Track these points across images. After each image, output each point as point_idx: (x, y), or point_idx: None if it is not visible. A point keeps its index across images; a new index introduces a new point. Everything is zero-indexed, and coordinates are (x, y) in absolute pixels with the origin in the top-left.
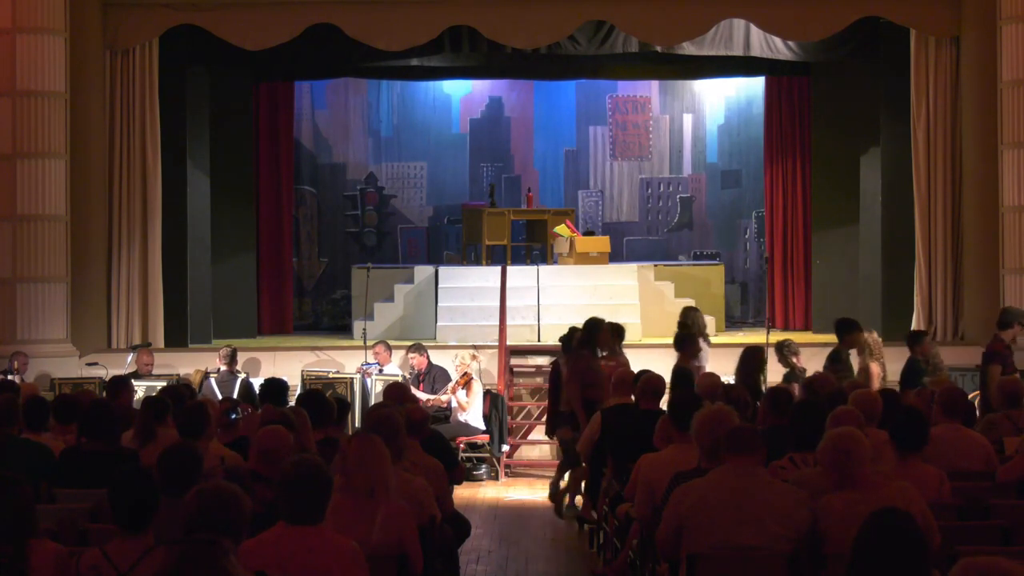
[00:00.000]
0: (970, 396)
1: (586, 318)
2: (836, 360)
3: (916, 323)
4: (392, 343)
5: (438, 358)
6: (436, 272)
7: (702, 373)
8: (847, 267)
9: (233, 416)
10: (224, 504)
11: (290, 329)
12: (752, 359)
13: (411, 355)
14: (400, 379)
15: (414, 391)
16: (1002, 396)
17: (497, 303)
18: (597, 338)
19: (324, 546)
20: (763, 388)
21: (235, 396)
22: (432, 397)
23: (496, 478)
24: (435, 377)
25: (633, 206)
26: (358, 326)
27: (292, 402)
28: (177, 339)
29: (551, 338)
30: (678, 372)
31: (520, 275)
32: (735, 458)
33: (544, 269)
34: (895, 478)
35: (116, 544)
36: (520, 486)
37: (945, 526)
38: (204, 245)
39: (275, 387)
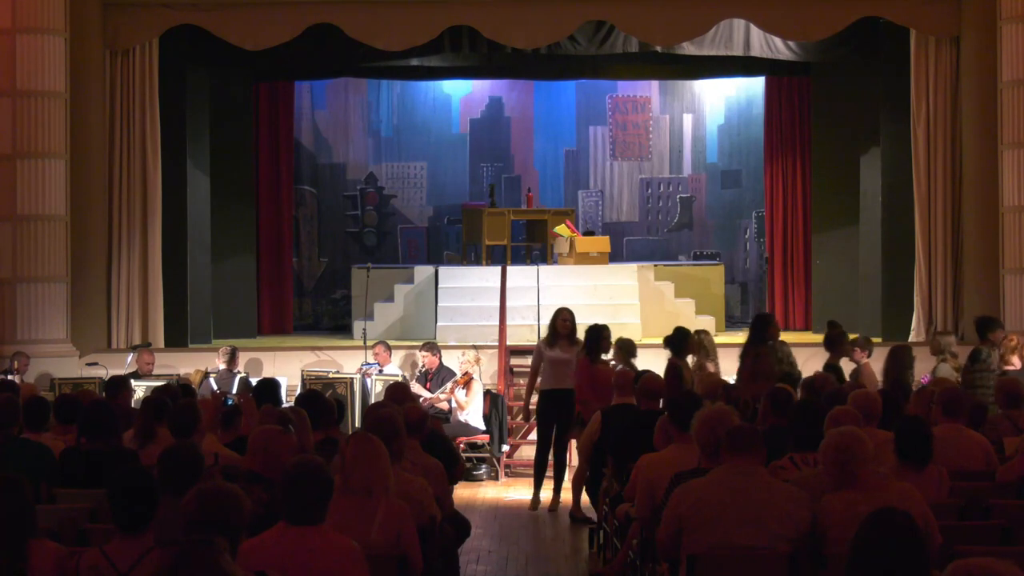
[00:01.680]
0: None
1: (756, 315)
2: (976, 359)
3: (916, 323)
4: (392, 343)
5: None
6: (436, 272)
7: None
8: (847, 267)
9: (229, 403)
10: (223, 504)
11: (290, 329)
12: (902, 357)
13: (423, 353)
14: (400, 379)
15: (419, 388)
16: (1002, 396)
17: (497, 303)
18: (768, 333)
19: (324, 546)
20: (913, 386)
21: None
22: (431, 396)
23: (496, 478)
24: (443, 378)
25: (633, 206)
26: (358, 326)
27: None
28: (177, 339)
29: None
30: (830, 369)
31: (520, 275)
32: (735, 458)
33: (544, 269)
34: (896, 479)
35: (116, 544)
36: (520, 486)
37: (945, 526)
38: (204, 245)
39: (269, 387)
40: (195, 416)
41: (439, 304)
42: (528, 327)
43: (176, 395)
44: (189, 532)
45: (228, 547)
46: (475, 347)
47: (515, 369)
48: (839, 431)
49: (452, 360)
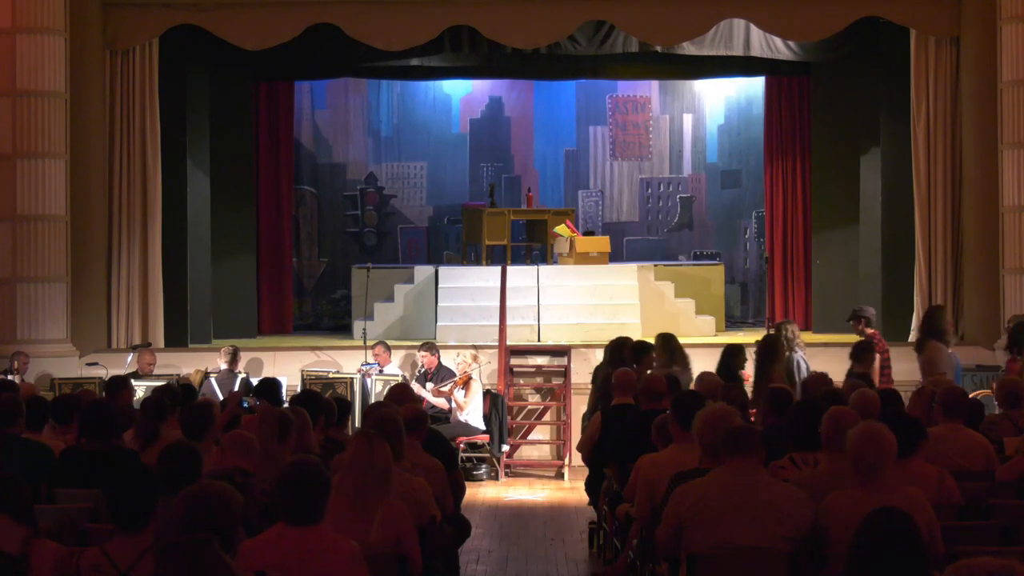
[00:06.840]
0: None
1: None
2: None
3: (916, 323)
4: (392, 343)
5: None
6: (436, 272)
7: (702, 372)
8: (847, 267)
9: (245, 404)
10: (213, 504)
11: (290, 329)
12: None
13: (421, 353)
14: (400, 379)
15: (419, 389)
16: (1002, 396)
17: (497, 303)
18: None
19: (324, 546)
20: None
21: None
22: (432, 398)
23: (496, 478)
24: (443, 378)
25: (633, 206)
26: (358, 326)
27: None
28: (177, 339)
29: (551, 338)
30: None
31: (520, 275)
32: (735, 458)
33: (544, 269)
34: (904, 482)
35: (116, 543)
36: (520, 486)
37: (945, 526)
38: (204, 245)
39: (269, 386)
40: (210, 419)
41: (439, 304)
42: (528, 327)
43: (177, 395)
44: (182, 533)
45: (226, 545)
46: (474, 347)
47: (515, 369)
48: (869, 423)
49: (451, 360)
